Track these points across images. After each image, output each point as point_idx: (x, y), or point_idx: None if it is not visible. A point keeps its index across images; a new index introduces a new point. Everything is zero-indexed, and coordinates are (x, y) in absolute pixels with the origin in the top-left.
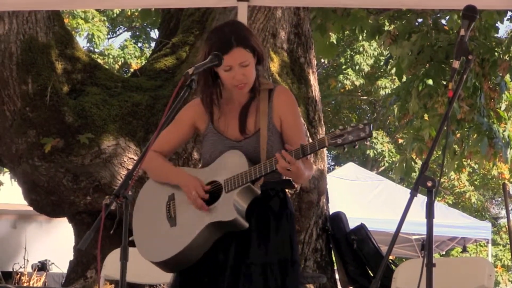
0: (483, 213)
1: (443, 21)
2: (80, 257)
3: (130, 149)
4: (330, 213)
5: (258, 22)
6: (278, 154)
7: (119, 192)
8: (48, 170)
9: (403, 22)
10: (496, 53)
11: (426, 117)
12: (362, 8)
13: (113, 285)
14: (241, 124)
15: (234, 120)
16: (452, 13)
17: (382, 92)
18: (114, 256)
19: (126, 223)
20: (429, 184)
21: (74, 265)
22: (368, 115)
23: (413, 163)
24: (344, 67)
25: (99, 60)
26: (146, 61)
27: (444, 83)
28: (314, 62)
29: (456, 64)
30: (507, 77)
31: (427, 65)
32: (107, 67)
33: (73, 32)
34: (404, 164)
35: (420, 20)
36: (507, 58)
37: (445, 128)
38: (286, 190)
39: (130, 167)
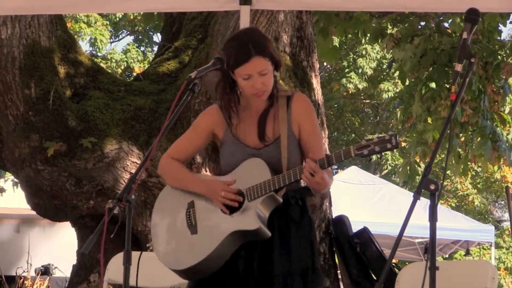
0: (486, 216)
1: (446, 24)
2: (83, 261)
3: (133, 153)
4: (333, 217)
5: (260, 25)
6: (306, 164)
7: (122, 196)
8: (51, 174)
9: (406, 25)
10: (499, 56)
11: (429, 120)
12: (364, 11)
13: None
14: (260, 131)
15: (253, 127)
16: (455, 16)
17: (385, 96)
18: (117, 260)
19: (129, 226)
20: (432, 187)
21: (77, 269)
22: (371, 118)
23: (416, 166)
24: (347, 70)
25: (101, 64)
26: (148, 65)
27: (447, 86)
28: (317, 65)
29: (458, 67)
30: (511, 80)
31: (430, 68)
32: (109, 71)
33: (75, 36)
34: (408, 168)
35: (423, 23)
36: (511, 61)
37: (448, 131)
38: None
39: (133, 171)
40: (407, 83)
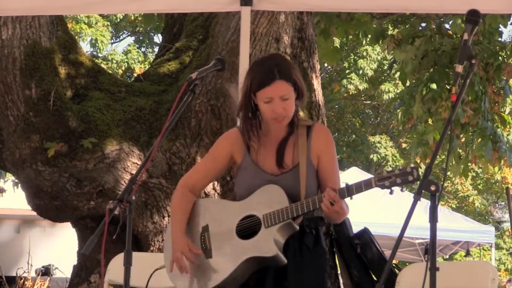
0: (487, 217)
1: (447, 26)
2: (83, 262)
3: (133, 153)
4: None
5: (261, 26)
6: (326, 193)
7: (122, 196)
8: (52, 175)
9: (407, 26)
10: (500, 57)
11: (430, 121)
12: (365, 12)
13: None
14: (278, 158)
15: (271, 154)
16: (455, 17)
17: (385, 97)
18: (118, 261)
19: (129, 227)
20: (433, 188)
21: (77, 269)
22: (372, 119)
23: None
24: (347, 71)
25: (102, 65)
26: (149, 65)
27: (448, 87)
28: (318, 66)
29: (459, 68)
30: (511, 81)
31: (431, 69)
32: (110, 72)
33: (76, 37)
34: None
35: (423, 24)
36: (511, 62)
37: (448, 132)
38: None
39: (134, 171)
40: (407, 84)
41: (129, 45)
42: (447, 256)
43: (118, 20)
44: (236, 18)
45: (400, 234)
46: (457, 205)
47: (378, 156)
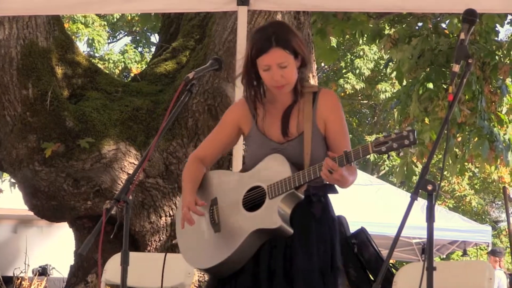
0: (483, 217)
1: (444, 25)
2: (80, 262)
3: (130, 153)
4: None
5: (258, 26)
6: (324, 161)
7: (119, 196)
8: (49, 175)
9: (404, 26)
10: (496, 57)
11: (426, 120)
12: (362, 12)
13: None
14: (283, 127)
15: (277, 122)
16: (452, 17)
17: (382, 96)
18: (115, 260)
19: (126, 227)
20: (430, 188)
21: (74, 269)
22: (369, 119)
23: (414, 166)
24: (344, 71)
25: (99, 65)
26: (146, 65)
27: (445, 86)
28: (314, 66)
29: (456, 68)
30: (508, 80)
31: (428, 68)
32: (107, 71)
33: (73, 37)
34: (405, 168)
35: (420, 24)
36: (508, 62)
37: (445, 131)
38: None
39: (131, 171)
40: (404, 83)
41: (126, 45)
42: (444, 256)
43: (115, 20)
44: (233, 18)
45: (397, 233)
46: (454, 204)
47: (375, 155)
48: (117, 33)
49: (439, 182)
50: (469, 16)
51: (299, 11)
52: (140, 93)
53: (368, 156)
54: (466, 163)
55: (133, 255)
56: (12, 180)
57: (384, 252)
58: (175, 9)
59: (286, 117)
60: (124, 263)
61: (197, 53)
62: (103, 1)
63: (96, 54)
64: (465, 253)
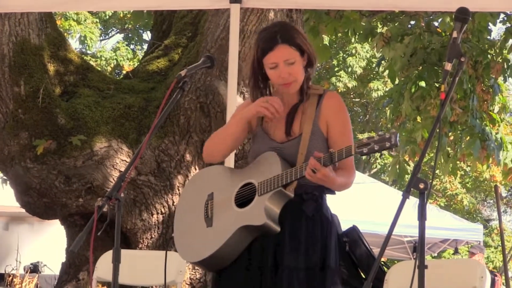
0: (475, 215)
1: (436, 23)
2: (72, 259)
3: (122, 151)
4: None
5: (250, 24)
6: (309, 161)
7: (111, 194)
8: (40, 172)
9: (396, 24)
10: (489, 55)
11: (418, 119)
12: (355, 10)
13: (105, 287)
14: (287, 126)
15: (282, 122)
16: (445, 15)
17: (374, 94)
18: (106, 258)
19: (118, 225)
20: (421, 186)
21: (66, 267)
22: (361, 117)
23: (406, 165)
24: (336, 69)
25: (91, 62)
26: (138, 63)
27: (437, 85)
28: None
29: (448, 66)
30: (500, 79)
31: (420, 67)
32: (99, 69)
33: (65, 34)
34: (397, 167)
35: (413, 22)
36: (500, 60)
37: (437, 130)
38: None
39: (123, 169)
40: (396, 82)
41: (118, 42)
42: (436, 254)
43: (107, 17)
44: (225, 16)
45: (388, 232)
46: (446, 203)
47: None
48: (109, 30)
49: (431, 181)
50: (462, 15)
51: (292, 9)
52: (132, 90)
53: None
54: (458, 162)
55: (124, 253)
56: (4, 177)
57: (375, 250)
58: (167, 6)
59: (290, 117)
60: (116, 260)
61: (189, 51)
62: None
63: (88, 51)
64: (456, 252)
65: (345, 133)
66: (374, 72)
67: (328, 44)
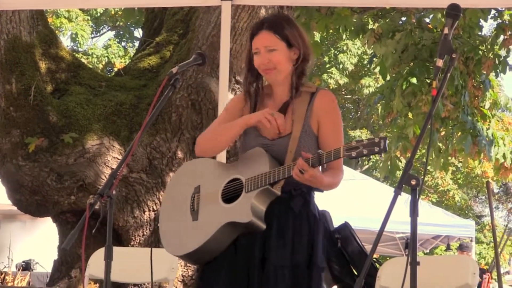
0: (467, 212)
1: (427, 20)
2: (64, 257)
3: (114, 148)
4: None
5: (241, 21)
6: (297, 161)
7: (103, 191)
8: (32, 170)
9: (387, 20)
10: (480, 51)
11: (410, 115)
12: (346, 6)
13: (97, 285)
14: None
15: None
16: (436, 11)
17: (366, 91)
18: (98, 255)
19: (110, 222)
20: (413, 182)
21: (58, 264)
22: (352, 113)
23: (397, 161)
24: (328, 66)
25: (83, 60)
26: (130, 60)
27: (428, 81)
28: None
29: (440, 62)
30: (492, 75)
31: (411, 63)
32: (91, 66)
33: (56, 32)
34: (389, 163)
35: (404, 18)
36: (491, 56)
37: (429, 126)
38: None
39: (114, 166)
40: (388, 78)
41: (109, 39)
42: (428, 251)
43: (99, 14)
44: (216, 13)
45: (380, 228)
46: (438, 199)
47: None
48: (101, 28)
49: (422, 177)
50: (453, 11)
51: (283, 5)
52: (123, 88)
53: None
54: (449, 158)
55: (116, 250)
56: None
57: (367, 247)
58: (158, 3)
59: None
60: (108, 258)
61: (180, 48)
62: None
63: (80, 49)
64: (448, 248)
65: (336, 134)
66: (366, 69)
67: (319, 41)
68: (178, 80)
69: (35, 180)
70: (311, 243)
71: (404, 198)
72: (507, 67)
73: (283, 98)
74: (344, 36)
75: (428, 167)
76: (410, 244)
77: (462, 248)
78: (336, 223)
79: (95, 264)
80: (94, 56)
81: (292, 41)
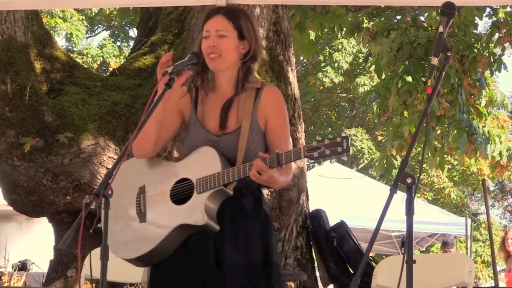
0: (463, 209)
1: (422, 18)
2: (60, 257)
3: (109, 148)
4: (310, 211)
5: None
6: (254, 162)
7: (99, 191)
8: (28, 170)
9: (382, 19)
10: (475, 49)
11: (405, 114)
12: (341, 5)
13: (93, 284)
14: (221, 119)
15: (215, 113)
16: (431, 10)
17: (361, 90)
18: (94, 255)
19: (106, 222)
20: (409, 180)
21: (54, 264)
22: (348, 112)
23: (393, 160)
24: (323, 64)
25: (77, 59)
26: (125, 60)
27: (424, 79)
28: (293, 59)
29: (435, 61)
30: (487, 73)
31: (406, 62)
32: (85, 66)
33: (51, 31)
34: (384, 161)
35: (399, 17)
36: (487, 54)
37: (424, 124)
38: (264, 189)
39: (110, 166)
40: (383, 76)
41: (104, 39)
42: (424, 249)
43: (93, 14)
44: None
45: (376, 227)
46: (433, 197)
47: (354, 149)
48: (96, 28)
49: (418, 175)
50: (448, 9)
51: (278, 4)
52: (118, 87)
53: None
54: (445, 156)
55: None
56: None
57: (363, 245)
58: (153, 3)
59: (225, 110)
60: (104, 257)
61: (175, 47)
62: None
63: (75, 49)
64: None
65: (284, 131)
66: (361, 67)
67: (314, 40)
68: (173, 79)
69: (30, 180)
70: (265, 242)
71: (400, 196)
72: (502, 65)
73: (226, 93)
74: (339, 35)
75: (424, 165)
76: (406, 242)
77: (444, 245)
78: (332, 221)
79: (91, 264)
80: (89, 56)
81: (245, 33)
